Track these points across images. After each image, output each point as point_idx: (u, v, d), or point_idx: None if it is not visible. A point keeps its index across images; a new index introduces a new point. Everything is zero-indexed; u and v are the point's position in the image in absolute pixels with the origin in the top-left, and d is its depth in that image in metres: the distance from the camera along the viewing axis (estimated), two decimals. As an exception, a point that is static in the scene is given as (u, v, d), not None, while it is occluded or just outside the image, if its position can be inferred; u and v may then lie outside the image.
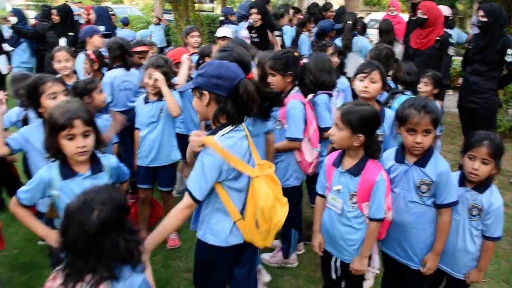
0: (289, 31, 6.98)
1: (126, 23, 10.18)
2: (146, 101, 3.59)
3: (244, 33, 6.13)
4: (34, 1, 28.19)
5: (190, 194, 1.99)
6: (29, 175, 3.53)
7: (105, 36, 5.12)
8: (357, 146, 2.31)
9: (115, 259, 1.50)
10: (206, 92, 2.01)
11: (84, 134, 2.09)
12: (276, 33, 6.07)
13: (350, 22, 6.05)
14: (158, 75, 3.40)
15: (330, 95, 3.43)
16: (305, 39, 6.82)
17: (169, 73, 3.54)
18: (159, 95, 3.52)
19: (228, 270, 2.29)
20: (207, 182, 1.98)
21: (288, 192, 3.19)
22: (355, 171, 2.33)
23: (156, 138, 3.55)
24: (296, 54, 3.20)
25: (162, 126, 3.56)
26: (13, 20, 6.91)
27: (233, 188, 2.07)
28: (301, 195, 3.50)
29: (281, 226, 2.14)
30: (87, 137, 2.11)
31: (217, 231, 2.13)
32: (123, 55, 4.22)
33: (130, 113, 3.84)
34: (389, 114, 2.92)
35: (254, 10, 5.79)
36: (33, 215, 2.23)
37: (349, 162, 2.38)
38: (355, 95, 3.76)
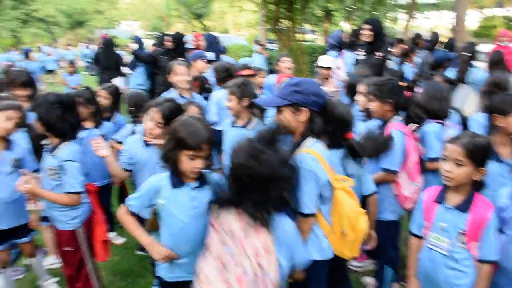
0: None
1: (223, 51, 10.84)
2: (233, 124, 3.59)
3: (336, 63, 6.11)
4: (151, 31, 30.98)
5: (303, 214, 2.15)
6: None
7: (210, 62, 5.44)
8: (473, 181, 2.15)
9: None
10: (305, 109, 2.15)
11: (205, 156, 2.16)
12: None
13: (466, 53, 5.69)
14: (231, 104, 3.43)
15: (442, 125, 3.23)
16: (408, 69, 6.59)
17: (245, 97, 3.41)
18: (247, 120, 3.48)
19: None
20: (312, 194, 2.14)
21: (382, 226, 3.08)
22: (464, 207, 2.14)
23: None
24: (401, 83, 3.10)
25: None
26: (134, 46, 7.62)
27: (322, 198, 2.20)
28: (398, 231, 3.29)
29: (365, 235, 2.27)
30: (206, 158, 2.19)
31: (319, 246, 2.26)
32: (227, 78, 4.43)
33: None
34: None
35: (367, 26, 5.77)
36: (138, 223, 2.30)
37: (455, 197, 2.19)
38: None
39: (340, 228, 2.20)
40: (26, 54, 13.53)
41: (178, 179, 2.19)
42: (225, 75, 4.48)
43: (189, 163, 2.11)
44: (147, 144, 2.94)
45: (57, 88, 11.28)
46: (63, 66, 11.56)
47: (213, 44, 7.41)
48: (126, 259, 3.95)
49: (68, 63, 9.92)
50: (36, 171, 3.00)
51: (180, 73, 4.21)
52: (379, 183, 2.99)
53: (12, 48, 17.22)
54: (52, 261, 3.73)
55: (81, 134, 3.20)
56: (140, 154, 2.91)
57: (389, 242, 3.17)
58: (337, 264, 2.44)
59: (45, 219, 3.20)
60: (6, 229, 3.03)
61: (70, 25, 33.88)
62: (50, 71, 14.37)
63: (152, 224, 2.34)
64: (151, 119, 2.78)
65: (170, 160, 2.16)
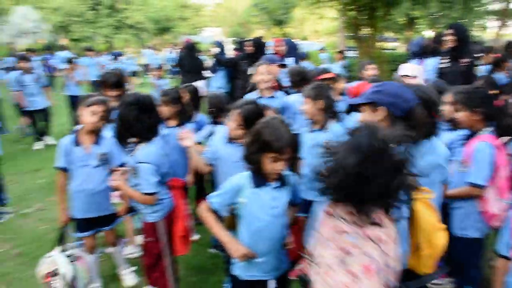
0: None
1: (303, 57, 10.88)
2: (310, 129, 3.51)
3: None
4: (232, 37, 31.90)
5: None
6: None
7: (284, 66, 5.48)
8: None
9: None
10: (382, 108, 2.08)
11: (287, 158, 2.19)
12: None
13: None
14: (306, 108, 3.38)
15: None
16: (501, 78, 6.14)
17: (319, 99, 3.35)
18: (323, 124, 3.41)
19: None
20: None
21: (465, 243, 2.90)
22: None
23: None
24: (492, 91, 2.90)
25: None
26: (216, 51, 7.87)
27: None
28: (482, 250, 3.07)
29: (443, 251, 2.04)
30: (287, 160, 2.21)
31: None
32: (302, 82, 4.43)
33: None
34: None
35: (450, 31, 5.45)
36: (219, 221, 2.32)
37: None
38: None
39: (415, 241, 2.05)
40: (115, 57, 14.59)
41: (259, 179, 2.24)
42: (299, 78, 4.48)
43: (271, 165, 2.16)
44: (229, 142, 3.01)
45: (144, 89, 11.96)
46: (152, 69, 12.27)
47: (293, 50, 7.43)
48: (199, 255, 4.06)
49: (157, 67, 10.46)
50: (123, 165, 3.18)
51: (261, 73, 4.26)
52: (464, 197, 2.84)
53: (104, 52, 18.61)
54: (131, 250, 3.94)
55: (164, 131, 3.35)
56: (222, 151, 3.01)
57: (472, 261, 2.98)
58: (410, 278, 2.33)
59: (130, 210, 3.37)
60: (92, 217, 3.28)
61: (156, 31, 35.84)
62: (133, 73, 15.43)
63: (229, 223, 2.38)
64: (233, 121, 2.86)
65: (253, 161, 2.21)
